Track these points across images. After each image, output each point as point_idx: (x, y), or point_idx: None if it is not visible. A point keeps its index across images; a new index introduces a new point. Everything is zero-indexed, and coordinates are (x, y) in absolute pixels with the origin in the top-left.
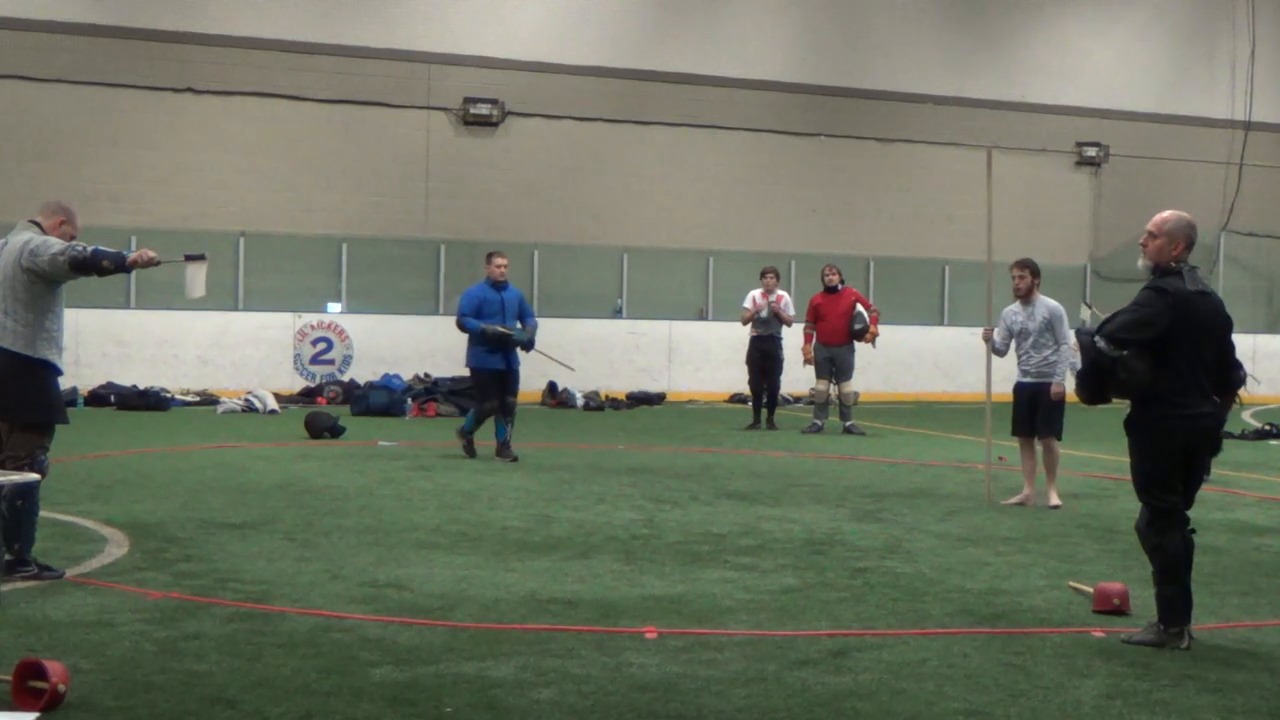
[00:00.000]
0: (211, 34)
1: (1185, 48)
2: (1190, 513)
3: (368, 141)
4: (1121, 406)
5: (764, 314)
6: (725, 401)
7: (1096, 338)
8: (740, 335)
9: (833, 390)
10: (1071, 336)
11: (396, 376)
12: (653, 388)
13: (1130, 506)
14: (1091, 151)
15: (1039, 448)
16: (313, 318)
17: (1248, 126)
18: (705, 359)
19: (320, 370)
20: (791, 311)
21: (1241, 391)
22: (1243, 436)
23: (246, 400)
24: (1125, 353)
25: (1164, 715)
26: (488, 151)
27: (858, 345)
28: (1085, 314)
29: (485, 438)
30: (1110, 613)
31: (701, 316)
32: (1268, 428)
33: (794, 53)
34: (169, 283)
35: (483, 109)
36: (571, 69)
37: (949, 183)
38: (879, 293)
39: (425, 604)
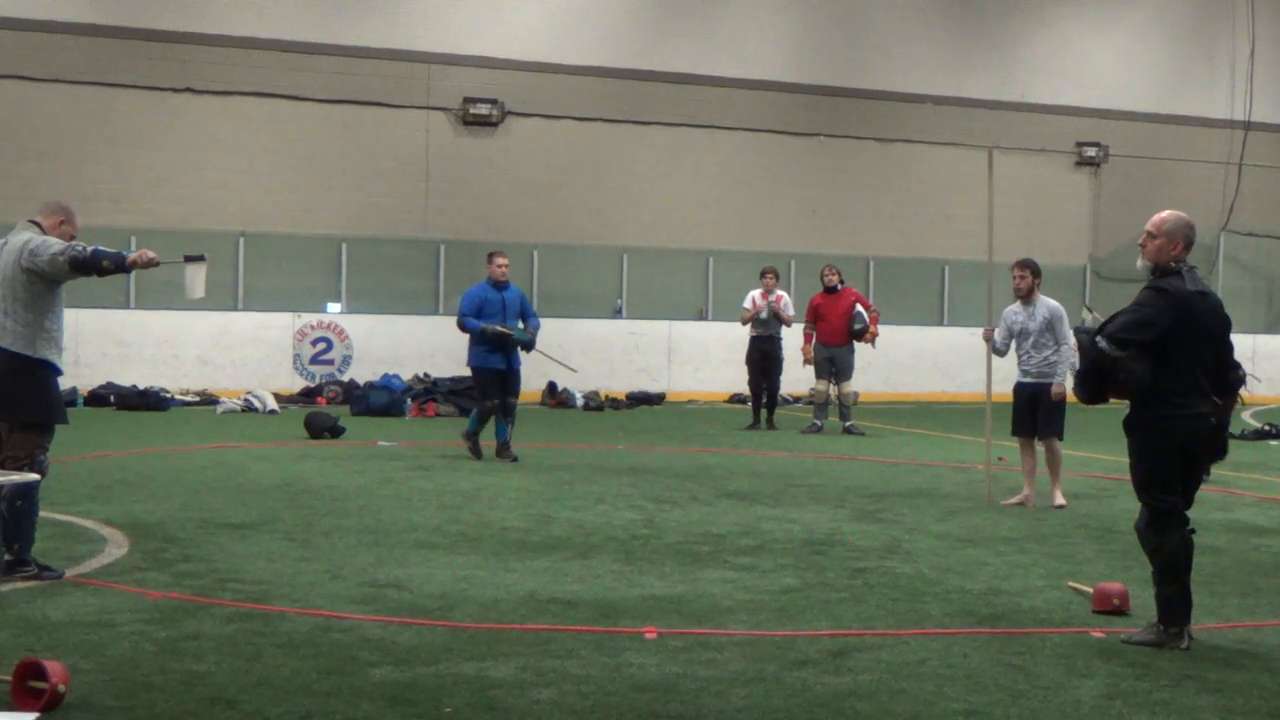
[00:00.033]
0: (211, 34)
1: (1185, 48)
2: (1190, 513)
3: (367, 141)
4: (1121, 406)
5: (764, 314)
6: (725, 402)
7: (1098, 338)
8: (740, 335)
9: (832, 390)
10: (1072, 337)
11: (396, 377)
12: (652, 388)
13: (1130, 507)
14: (1091, 151)
15: (1039, 448)
16: (312, 318)
17: (1247, 126)
18: (705, 359)
19: (320, 370)
20: (791, 312)
21: (1242, 392)
22: (1243, 437)
23: (246, 400)
24: (1126, 353)
25: (1164, 715)
26: (488, 151)
27: (857, 345)
28: (1086, 317)
29: (486, 438)
30: (1110, 613)
31: (701, 316)
32: (1268, 428)
33: (794, 53)
34: (169, 283)
35: (482, 109)
36: (571, 69)
37: (949, 183)
38: (879, 293)
39: (425, 604)
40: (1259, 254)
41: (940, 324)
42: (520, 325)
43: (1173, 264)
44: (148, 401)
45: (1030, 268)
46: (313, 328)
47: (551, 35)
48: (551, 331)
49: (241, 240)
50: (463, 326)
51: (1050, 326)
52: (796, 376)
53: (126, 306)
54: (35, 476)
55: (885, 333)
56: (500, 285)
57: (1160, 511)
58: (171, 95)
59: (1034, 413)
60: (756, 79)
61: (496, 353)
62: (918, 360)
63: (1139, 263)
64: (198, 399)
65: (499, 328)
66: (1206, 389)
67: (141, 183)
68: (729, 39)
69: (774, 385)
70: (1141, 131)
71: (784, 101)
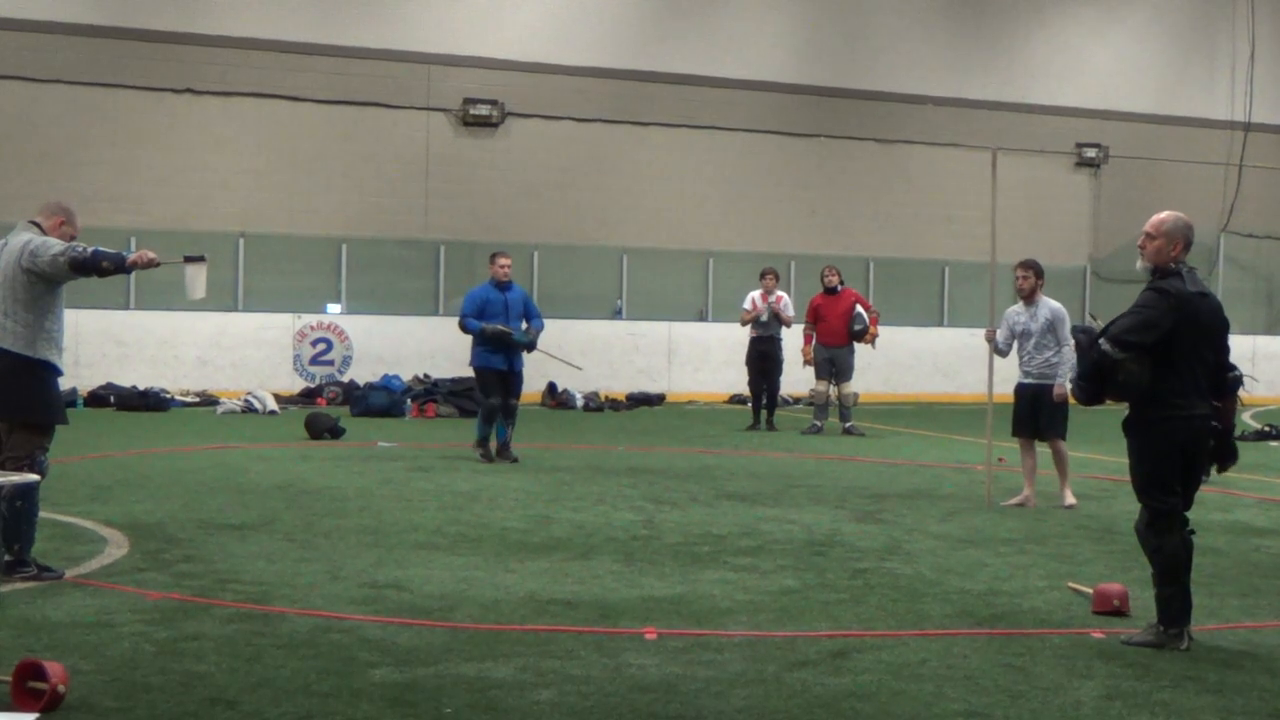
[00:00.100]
0: (211, 34)
1: (1185, 48)
2: (1190, 514)
3: (367, 142)
4: (1121, 408)
5: (764, 315)
6: (725, 402)
7: (1101, 340)
8: (740, 336)
9: (832, 391)
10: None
11: (396, 377)
12: (652, 388)
13: (1130, 508)
14: (1091, 152)
15: (1039, 448)
16: (312, 318)
17: (1247, 127)
18: (705, 360)
19: (320, 371)
20: (791, 312)
21: (1241, 393)
22: (1243, 437)
23: (246, 401)
24: (1128, 355)
25: (1163, 716)
26: (487, 152)
27: (857, 346)
28: (1090, 323)
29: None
30: (1110, 614)
31: (701, 317)
32: (1268, 428)
33: (794, 53)
34: (169, 283)
35: (482, 110)
36: (571, 69)
37: (949, 184)
38: (879, 294)
39: (425, 605)
40: (1259, 255)
41: (940, 325)
42: (523, 326)
43: (1172, 265)
44: (148, 402)
45: (1033, 269)
46: (313, 328)
47: (551, 36)
48: (552, 332)
49: (241, 241)
50: (464, 327)
51: (1052, 328)
52: (796, 377)
53: (126, 307)
54: (35, 477)
55: (885, 333)
56: (503, 286)
57: (1160, 513)
58: (171, 96)
59: (1035, 413)
60: (757, 80)
61: (498, 353)
62: (918, 361)
63: (1138, 264)
64: (198, 400)
65: (498, 327)
66: (1206, 390)
67: (141, 183)
68: (729, 39)
69: (774, 386)
70: (1141, 132)
71: (784, 102)
